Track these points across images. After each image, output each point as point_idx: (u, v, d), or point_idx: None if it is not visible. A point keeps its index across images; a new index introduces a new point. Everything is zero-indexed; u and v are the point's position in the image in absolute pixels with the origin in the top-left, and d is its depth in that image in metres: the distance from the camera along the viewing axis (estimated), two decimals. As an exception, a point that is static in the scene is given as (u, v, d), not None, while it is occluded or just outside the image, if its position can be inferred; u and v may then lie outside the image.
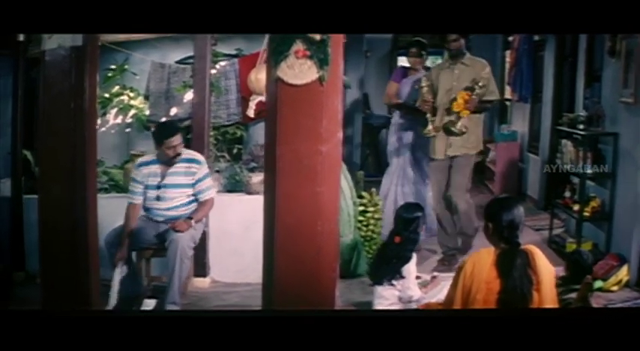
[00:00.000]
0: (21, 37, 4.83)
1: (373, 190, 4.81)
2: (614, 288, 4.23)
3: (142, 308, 3.88)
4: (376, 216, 4.68)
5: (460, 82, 4.52)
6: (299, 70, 2.55)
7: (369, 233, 4.64)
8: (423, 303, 3.64)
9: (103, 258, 3.60)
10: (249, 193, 4.64)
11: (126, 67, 5.84)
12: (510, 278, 2.63)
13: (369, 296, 3.88)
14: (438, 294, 3.77)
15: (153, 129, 4.33)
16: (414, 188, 5.04)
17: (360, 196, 4.65)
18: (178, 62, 5.88)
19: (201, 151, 4.28)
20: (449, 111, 4.50)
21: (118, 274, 3.79)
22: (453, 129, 4.50)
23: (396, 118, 5.15)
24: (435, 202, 4.73)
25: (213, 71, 5.18)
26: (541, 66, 6.40)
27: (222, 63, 5.65)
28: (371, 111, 7.68)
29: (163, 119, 5.68)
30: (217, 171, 4.84)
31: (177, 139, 3.90)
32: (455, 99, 4.45)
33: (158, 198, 3.94)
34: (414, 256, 3.79)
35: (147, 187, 3.95)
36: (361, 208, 4.61)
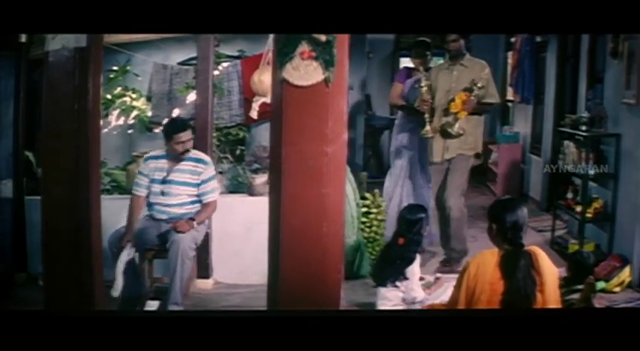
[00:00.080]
0: (23, 39, 4.82)
1: (376, 191, 4.81)
2: (617, 289, 4.24)
3: (145, 309, 3.88)
4: (379, 217, 4.68)
5: (459, 83, 4.48)
6: (304, 71, 2.55)
7: (372, 234, 4.64)
8: (427, 304, 3.65)
9: (107, 259, 3.60)
10: (252, 194, 4.64)
11: (128, 68, 5.82)
12: (514, 279, 2.63)
13: (372, 297, 3.89)
14: (442, 295, 3.79)
15: (163, 124, 4.35)
16: (417, 190, 5.03)
17: (364, 198, 4.65)
18: (181, 63, 5.87)
19: (204, 153, 4.25)
20: (446, 112, 4.48)
21: (125, 256, 3.79)
22: (450, 130, 4.47)
23: (400, 119, 5.14)
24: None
25: (216, 73, 5.18)
26: (543, 67, 6.41)
27: (225, 64, 5.64)
28: (373, 112, 7.67)
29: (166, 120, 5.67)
30: (220, 172, 4.83)
31: (186, 135, 3.93)
32: (453, 100, 4.42)
33: (162, 193, 3.95)
34: (418, 257, 3.79)
35: (152, 180, 3.97)
36: (364, 209, 4.61)
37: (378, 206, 4.69)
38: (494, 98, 4.60)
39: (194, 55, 5.67)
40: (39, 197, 4.73)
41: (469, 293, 2.69)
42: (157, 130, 5.81)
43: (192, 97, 5.48)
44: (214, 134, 4.98)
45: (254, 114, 4.44)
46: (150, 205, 4.01)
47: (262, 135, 5.65)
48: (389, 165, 5.37)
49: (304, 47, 2.56)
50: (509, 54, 7.22)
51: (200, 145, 4.34)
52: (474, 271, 2.70)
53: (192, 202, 3.99)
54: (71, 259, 3.02)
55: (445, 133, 4.50)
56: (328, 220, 2.59)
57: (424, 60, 4.87)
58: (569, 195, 5.13)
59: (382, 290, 3.76)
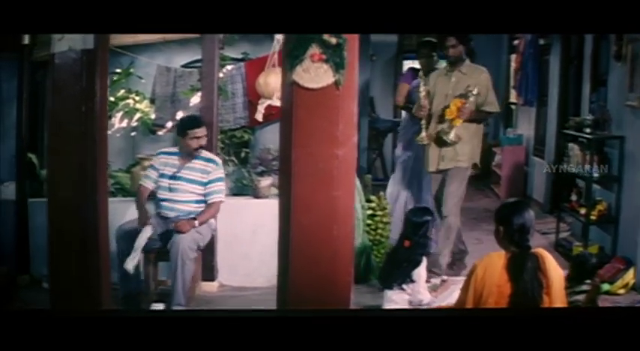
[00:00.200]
0: (26, 40, 4.81)
1: (382, 193, 4.79)
2: (621, 291, 4.25)
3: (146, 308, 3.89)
4: (384, 220, 4.66)
5: (456, 90, 4.33)
6: (315, 73, 2.54)
7: (378, 237, 4.63)
8: (434, 307, 3.64)
9: (112, 260, 3.60)
10: (257, 197, 4.63)
11: (131, 70, 5.81)
12: (521, 281, 2.65)
13: (378, 300, 3.88)
14: (448, 298, 3.78)
15: (178, 121, 4.44)
16: (422, 192, 5.01)
17: (369, 200, 4.63)
18: (184, 66, 5.86)
19: (209, 155, 4.28)
20: (443, 119, 4.32)
21: (148, 231, 3.83)
22: (445, 138, 4.30)
23: (405, 121, 5.13)
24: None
25: (220, 75, 5.17)
26: (546, 70, 6.41)
27: (229, 67, 5.64)
28: (377, 115, 7.67)
29: (169, 123, 5.68)
30: (225, 175, 4.82)
31: (201, 131, 3.99)
32: (448, 106, 4.28)
33: (170, 189, 3.99)
34: (424, 260, 3.78)
35: (162, 175, 4.02)
36: (369, 212, 4.59)
37: (383, 209, 4.67)
38: (493, 107, 4.43)
39: (197, 57, 5.69)
40: (42, 199, 4.80)
41: (476, 295, 2.71)
42: (160, 133, 5.81)
43: (196, 99, 5.47)
44: (219, 136, 4.97)
45: (259, 116, 4.43)
46: (158, 202, 4.04)
47: (267, 137, 5.65)
48: (393, 168, 5.37)
49: (315, 50, 2.56)
50: (513, 57, 7.22)
51: (205, 147, 4.32)
52: (481, 274, 2.72)
53: (198, 202, 4.01)
54: (78, 261, 3.03)
55: (440, 141, 4.34)
56: (339, 223, 2.59)
57: (430, 61, 4.82)
58: (574, 197, 5.14)
59: (389, 293, 3.75)
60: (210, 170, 4.02)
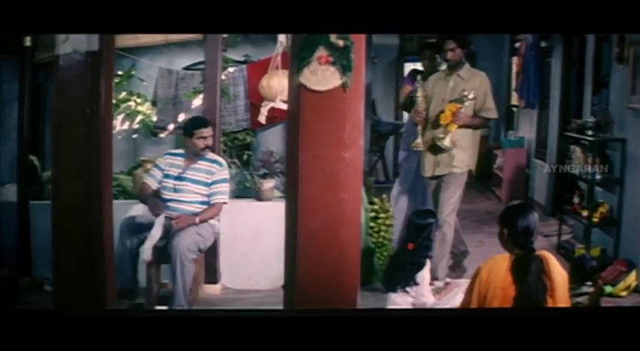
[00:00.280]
0: (27, 42, 4.80)
1: (384, 196, 4.79)
2: (623, 293, 4.26)
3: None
4: (387, 222, 4.66)
5: (453, 94, 4.24)
6: (322, 76, 2.54)
7: (381, 239, 4.62)
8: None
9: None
10: (260, 199, 4.62)
11: (133, 72, 5.79)
12: (525, 284, 2.65)
13: (382, 303, 3.87)
14: (452, 300, 3.78)
15: (184, 121, 4.45)
16: (425, 195, 5.00)
17: (372, 202, 4.63)
18: (186, 68, 5.85)
19: (212, 158, 4.28)
20: (437, 124, 4.22)
21: (162, 219, 3.85)
22: (439, 144, 4.21)
23: (408, 124, 5.11)
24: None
25: (222, 77, 5.16)
26: (548, 72, 6.42)
27: (231, 69, 5.62)
28: (379, 118, 7.66)
29: (171, 125, 5.67)
30: (228, 177, 4.81)
31: (208, 131, 4.04)
32: (443, 111, 4.18)
33: (175, 190, 4.01)
34: (428, 262, 3.78)
35: (166, 176, 4.05)
36: (372, 214, 4.59)
37: (386, 211, 4.67)
38: (491, 113, 4.32)
39: (199, 59, 5.68)
40: (43, 202, 4.81)
41: (481, 298, 2.71)
42: (161, 135, 5.79)
43: (197, 101, 5.46)
44: (221, 139, 4.96)
45: (262, 119, 4.43)
46: (165, 203, 4.04)
47: (269, 140, 5.64)
48: (395, 170, 5.36)
49: (322, 52, 2.56)
50: (514, 59, 7.23)
51: (210, 148, 4.32)
52: (485, 276, 2.72)
53: (202, 203, 4.01)
54: (83, 264, 3.01)
55: (435, 147, 4.25)
56: (346, 225, 2.59)
57: (433, 63, 4.77)
58: (576, 200, 5.14)
59: (392, 296, 3.75)
60: (214, 171, 4.04)
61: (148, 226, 3.90)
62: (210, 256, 4.35)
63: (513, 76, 7.23)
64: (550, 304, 2.65)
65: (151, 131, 5.78)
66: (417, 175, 4.91)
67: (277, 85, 4.25)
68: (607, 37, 5.02)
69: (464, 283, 3.92)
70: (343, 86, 2.58)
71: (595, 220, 4.77)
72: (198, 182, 4.02)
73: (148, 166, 4.53)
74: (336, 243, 2.58)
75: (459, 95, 4.18)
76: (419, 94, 4.34)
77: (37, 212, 4.71)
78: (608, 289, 4.22)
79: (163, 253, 3.86)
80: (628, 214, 4.56)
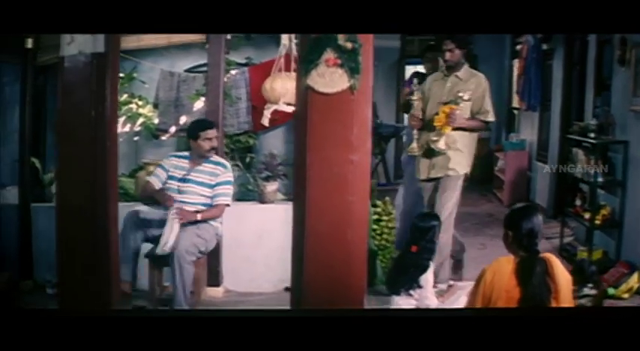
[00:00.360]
0: (29, 44, 4.80)
1: (387, 198, 4.78)
2: (625, 295, 4.26)
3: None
4: (390, 225, 4.66)
5: (450, 96, 4.13)
6: (330, 78, 2.54)
7: (383, 242, 4.62)
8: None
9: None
10: (262, 202, 4.62)
11: (134, 75, 5.79)
12: (530, 286, 2.65)
13: (385, 305, 3.86)
14: (455, 302, 3.79)
15: (188, 124, 4.45)
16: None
17: (375, 205, 4.62)
18: (188, 71, 5.85)
19: (215, 160, 4.27)
20: (432, 126, 4.12)
21: (174, 212, 3.83)
22: (433, 146, 4.11)
23: (409, 126, 5.10)
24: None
25: (225, 80, 5.15)
26: (549, 75, 6.43)
27: (233, 72, 5.62)
28: (380, 120, 7.66)
29: (173, 128, 5.66)
30: (230, 179, 4.80)
31: (213, 133, 4.07)
32: (437, 113, 4.08)
33: (179, 191, 4.02)
34: (432, 265, 3.77)
35: (170, 177, 4.07)
36: (375, 216, 4.58)
37: (389, 214, 4.67)
38: (488, 116, 4.18)
39: (201, 62, 5.69)
40: (45, 204, 4.80)
41: (485, 300, 2.71)
42: (163, 138, 5.79)
43: (199, 104, 5.46)
44: (224, 141, 4.96)
45: (266, 121, 4.42)
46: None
47: (270, 142, 5.65)
48: (396, 173, 5.35)
49: (330, 54, 2.56)
50: (515, 62, 7.24)
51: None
52: (490, 278, 2.72)
53: (205, 205, 4.02)
54: (87, 268, 2.99)
55: (430, 150, 4.16)
56: (353, 228, 2.59)
57: (435, 65, 4.72)
58: (578, 202, 5.14)
59: (396, 298, 3.73)
60: (218, 173, 4.06)
61: (152, 222, 3.92)
62: (212, 259, 4.34)
63: (514, 78, 7.25)
64: (554, 306, 2.65)
65: (153, 134, 5.78)
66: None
67: (280, 87, 4.23)
68: (609, 40, 5.03)
69: (467, 285, 3.92)
70: (351, 88, 2.57)
71: (597, 222, 4.77)
72: (202, 184, 4.03)
73: (151, 168, 4.53)
74: (343, 245, 2.58)
75: (454, 96, 4.09)
76: (414, 97, 4.29)
77: (38, 215, 4.70)
78: (611, 291, 4.23)
79: (164, 256, 3.84)
80: (630, 217, 4.56)
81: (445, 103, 4.10)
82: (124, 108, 5.69)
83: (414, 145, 4.28)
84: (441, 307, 3.64)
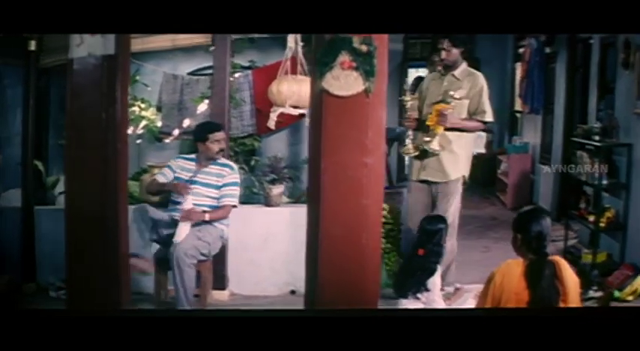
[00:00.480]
0: (32, 47, 4.78)
1: (391, 202, 4.77)
2: (630, 298, 4.27)
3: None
4: (395, 228, 4.65)
5: (445, 96, 4.05)
6: (344, 81, 2.53)
7: (389, 245, 4.61)
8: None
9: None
10: (268, 205, 4.61)
11: (137, 78, 5.77)
12: (539, 289, 2.65)
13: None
14: (462, 305, 3.81)
15: (195, 128, 4.44)
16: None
17: (380, 208, 4.61)
18: (191, 73, 5.84)
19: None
20: (423, 126, 4.06)
21: (190, 201, 3.90)
22: (426, 147, 4.03)
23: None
24: (412, 224, 4.21)
25: (228, 82, 5.14)
26: (552, 78, 6.45)
27: (236, 75, 5.61)
28: (382, 123, 7.66)
29: (176, 130, 5.65)
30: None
31: (221, 135, 4.10)
32: (430, 113, 4.01)
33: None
34: (439, 268, 3.77)
35: (177, 178, 4.07)
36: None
37: (394, 217, 4.66)
38: (486, 116, 4.06)
39: (204, 65, 5.69)
40: (48, 207, 4.78)
41: (495, 302, 2.72)
42: (166, 140, 5.78)
43: (203, 107, 5.45)
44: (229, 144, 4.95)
45: (272, 124, 4.41)
46: (171, 206, 4.04)
47: (274, 145, 5.65)
48: (399, 176, 5.34)
49: (345, 57, 2.54)
50: (518, 65, 7.26)
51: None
52: (499, 281, 2.73)
53: (211, 206, 4.01)
54: (97, 270, 2.97)
55: (422, 151, 4.07)
56: (368, 231, 2.58)
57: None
58: (582, 205, 5.15)
59: (403, 302, 3.72)
60: (225, 174, 4.07)
61: (159, 223, 3.92)
62: (218, 263, 4.32)
63: (517, 81, 7.26)
64: (562, 308, 2.66)
65: (156, 136, 5.77)
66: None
67: (287, 90, 4.23)
68: (612, 43, 5.05)
69: (473, 288, 3.93)
70: (366, 91, 2.56)
71: (602, 225, 4.77)
72: (208, 185, 4.03)
73: (155, 171, 4.52)
74: (358, 249, 2.57)
75: (446, 96, 4.02)
76: (407, 98, 4.23)
77: (41, 217, 4.67)
78: (615, 293, 4.24)
79: (168, 259, 3.83)
80: (634, 219, 4.57)
81: (437, 102, 4.04)
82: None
83: (409, 145, 4.21)
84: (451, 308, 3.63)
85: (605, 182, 4.75)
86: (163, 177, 4.12)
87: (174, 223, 3.89)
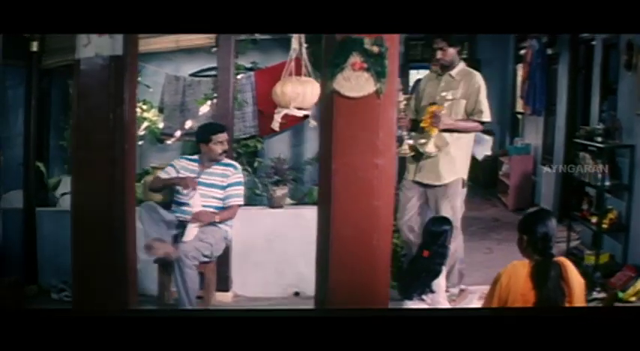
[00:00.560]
0: (34, 48, 4.77)
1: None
2: (633, 299, 4.27)
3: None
4: (397, 230, 4.63)
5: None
6: (356, 82, 2.53)
7: (393, 246, 4.59)
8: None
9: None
10: (272, 206, 4.60)
11: (139, 79, 5.73)
12: (545, 290, 2.67)
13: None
14: (467, 307, 3.78)
15: (198, 129, 4.40)
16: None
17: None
18: (193, 75, 5.81)
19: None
20: (417, 126, 4.02)
21: (198, 197, 3.92)
22: (420, 149, 4.00)
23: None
24: (402, 225, 4.21)
25: (231, 84, 5.13)
26: (554, 79, 6.45)
27: (239, 76, 5.59)
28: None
29: (178, 132, 5.63)
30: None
31: (224, 136, 4.10)
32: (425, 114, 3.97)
33: (190, 194, 3.99)
34: (444, 270, 3.76)
35: None
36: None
37: (396, 219, 4.63)
38: (483, 116, 3.99)
39: (206, 66, 5.66)
40: (50, 208, 4.75)
41: (501, 303, 2.74)
42: (168, 142, 5.75)
43: (205, 108, 5.43)
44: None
45: (276, 125, 4.39)
46: (175, 207, 4.03)
47: (276, 147, 5.63)
48: (399, 177, 5.30)
49: (356, 58, 2.55)
50: (519, 66, 7.26)
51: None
52: (505, 282, 2.75)
53: (215, 207, 4.00)
54: (104, 271, 2.96)
55: (418, 153, 4.04)
56: (379, 233, 2.57)
57: None
58: (584, 206, 5.16)
59: (408, 303, 3.72)
60: (229, 174, 4.07)
61: (170, 224, 3.92)
62: (221, 264, 4.30)
63: (518, 83, 7.27)
64: (568, 310, 2.67)
65: (157, 138, 5.73)
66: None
67: (291, 91, 4.19)
68: (615, 44, 5.06)
69: (478, 290, 3.93)
70: (377, 93, 2.56)
71: (604, 226, 4.78)
72: (213, 186, 4.03)
73: (158, 172, 4.49)
74: (369, 250, 2.56)
75: (440, 97, 3.98)
76: (401, 98, 4.18)
77: (43, 219, 4.65)
78: (618, 294, 4.24)
79: (170, 261, 3.82)
80: (636, 220, 4.57)
81: (431, 104, 4.01)
82: (129, 112, 5.65)
83: (405, 146, 4.17)
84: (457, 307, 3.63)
85: (607, 183, 4.75)
86: (166, 175, 4.10)
87: (180, 225, 3.88)
